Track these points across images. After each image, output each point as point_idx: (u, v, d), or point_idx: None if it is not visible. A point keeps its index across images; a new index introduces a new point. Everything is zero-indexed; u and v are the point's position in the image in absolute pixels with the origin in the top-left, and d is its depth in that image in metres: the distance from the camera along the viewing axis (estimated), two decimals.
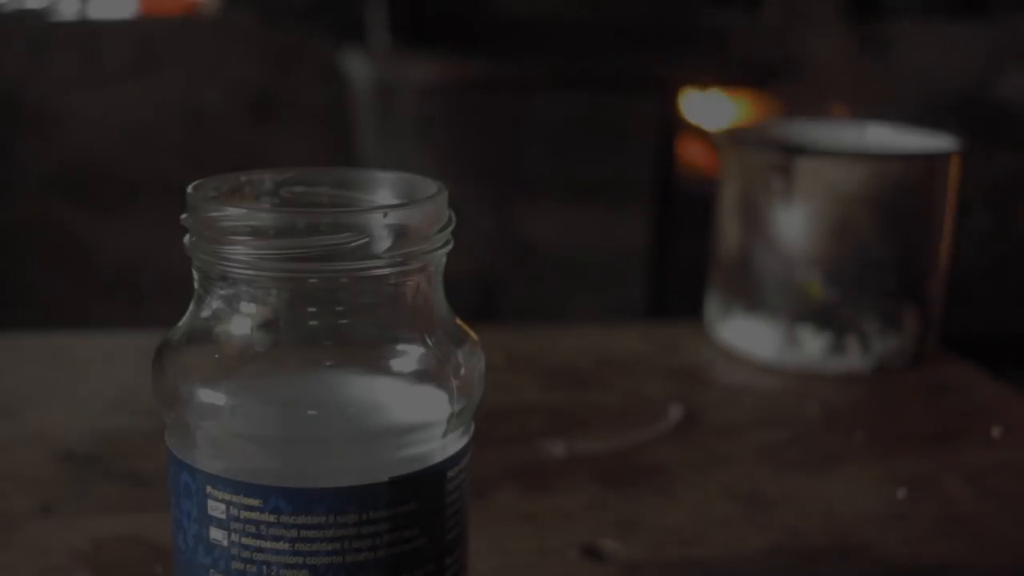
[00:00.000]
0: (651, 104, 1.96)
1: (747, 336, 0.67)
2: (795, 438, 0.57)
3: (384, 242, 0.29)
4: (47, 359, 0.65)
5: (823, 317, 0.65)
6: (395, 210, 0.30)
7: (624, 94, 1.94)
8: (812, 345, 0.65)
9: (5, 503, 0.48)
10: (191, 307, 0.32)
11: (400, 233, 0.30)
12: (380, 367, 0.31)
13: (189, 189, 0.31)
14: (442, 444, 0.31)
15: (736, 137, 0.73)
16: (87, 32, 1.97)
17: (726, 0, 2.05)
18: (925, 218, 0.67)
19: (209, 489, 0.30)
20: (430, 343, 0.31)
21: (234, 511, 0.30)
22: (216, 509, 0.30)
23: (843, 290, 0.65)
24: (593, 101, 1.91)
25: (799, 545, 0.46)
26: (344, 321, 0.30)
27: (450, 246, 0.32)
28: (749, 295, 0.67)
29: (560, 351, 0.69)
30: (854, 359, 0.65)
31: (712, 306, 0.71)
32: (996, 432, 0.58)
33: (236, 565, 0.30)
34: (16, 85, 1.94)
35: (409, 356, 0.31)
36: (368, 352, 0.31)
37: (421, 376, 0.31)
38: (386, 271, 0.30)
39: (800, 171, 0.64)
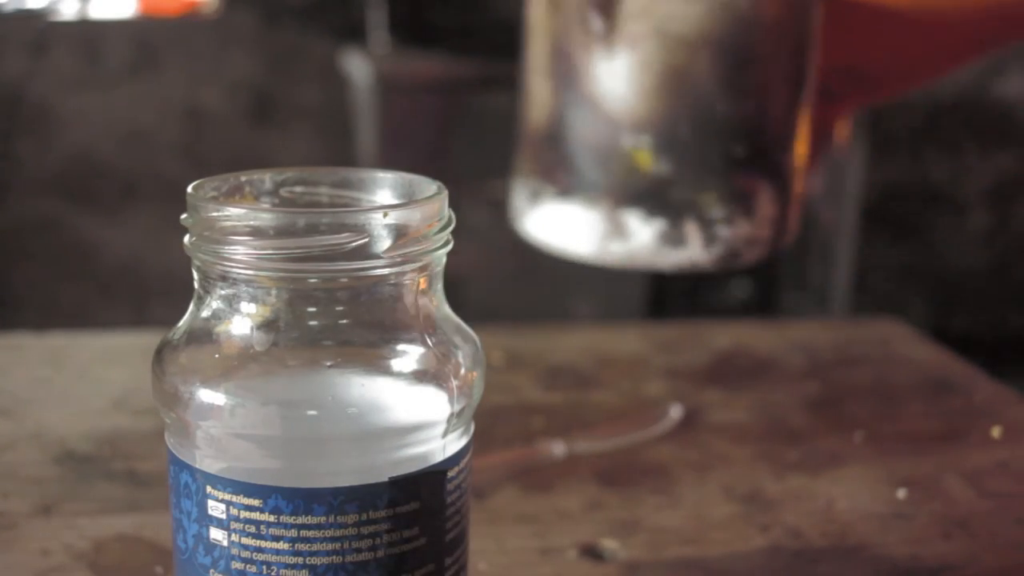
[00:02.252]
0: None
1: (561, 226, 0.54)
2: (795, 437, 0.57)
3: (384, 242, 0.29)
4: (47, 359, 0.65)
5: (656, 197, 0.53)
6: (395, 210, 0.30)
7: None
8: (642, 233, 0.53)
9: (5, 503, 0.48)
10: (191, 307, 0.32)
11: (400, 233, 0.30)
12: (380, 367, 0.31)
13: (189, 189, 0.31)
14: (442, 444, 0.31)
15: None
16: (87, 32, 1.97)
17: None
18: (782, 68, 0.54)
19: (209, 489, 0.30)
20: (430, 343, 0.31)
21: (234, 511, 0.30)
22: (216, 509, 0.30)
23: (680, 161, 0.53)
24: None
25: (799, 545, 0.46)
26: (344, 321, 0.30)
27: (450, 246, 0.32)
28: (562, 173, 0.54)
29: (560, 351, 0.69)
30: (694, 250, 0.53)
31: (517, 192, 0.57)
32: (996, 432, 0.58)
33: (236, 565, 0.30)
34: (16, 85, 1.94)
35: (409, 356, 0.31)
36: (368, 352, 0.31)
37: (421, 376, 0.31)
38: (386, 271, 0.30)
39: (625, 7, 0.51)
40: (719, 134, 0.53)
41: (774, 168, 0.54)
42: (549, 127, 0.55)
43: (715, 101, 0.52)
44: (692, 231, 0.53)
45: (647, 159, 0.52)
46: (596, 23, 0.52)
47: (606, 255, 0.54)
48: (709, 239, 0.53)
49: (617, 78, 0.52)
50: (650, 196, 0.52)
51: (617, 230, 0.53)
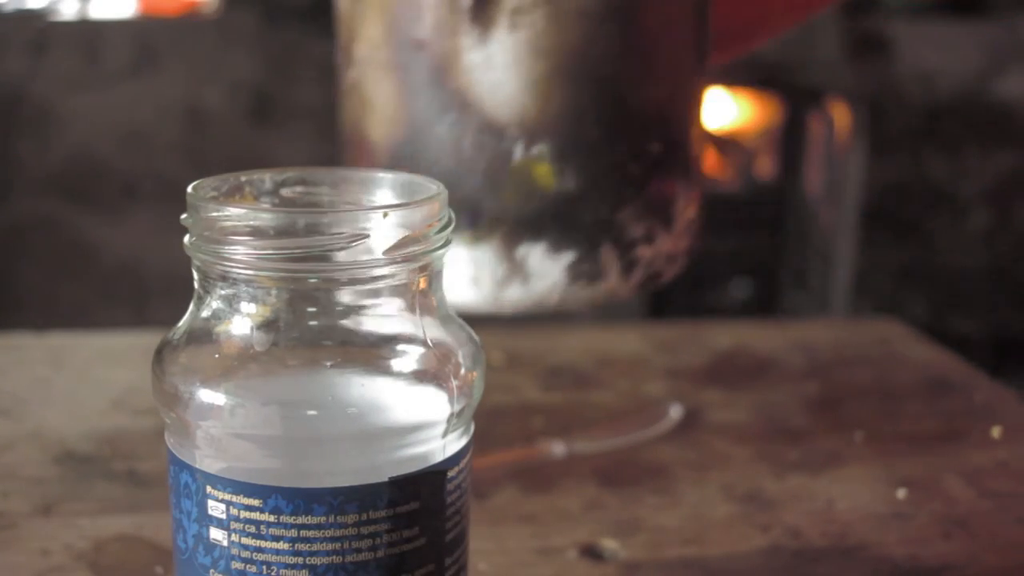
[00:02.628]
0: None
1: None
2: (795, 437, 0.57)
3: (384, 242, 0.29)
4: (47, 359, 0.65)
5: (562, 221, 0.41)
6: (395, 210, 0.30)
7: None
8: (548, 271, 0.41)
9: (5, 503, 0.48)
10: (191, 307, 0.32)
11: (400, 233, 0.30)
12: (380, 367, 0.31)
13: (189, 189, 0.31)
14: (442, 444, 0.31)
15: None
16: (87, 32, 1.97)
17: None
18: (691, 35, 0.44)
19: (209, 489, 0.30)
20: (430, 343, 0.31)
21: (234, 511, 0.30)
22: (216, 509, 0.30)
23: (589, 171, 0.41)
24: None
25: (799, 545, 0.46)
26: (344, 321, 0.30)
27: (450, 246, 0.32)
28: None
29: (560, 351, 0.69)
30: (612, 280, 0.43)
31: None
32: (996, 432, 0.58)
33: (236, 565, 0.30)
34: (16, 85, 1.94)
35: (409, 356, 0.31)
36: (368, 352, 0.31)
37: (421, 376, 0.31)
38: (386, 271, 0.30)
39: None
40: (633, 130, 0.42)
41: (687, 163, 0.44)
42: (400, 141, 0.41)
43: (626, 88, 0.41)
44: (609, 258, 0.42)
45: (547, 173, 0.41)
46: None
47: (503, 304, 0.43)
48: (628, 264, 0.43)
49: (498, 69, 0.39)
50: (555, 221, 0.41)
51: (515, 270, 0.41)
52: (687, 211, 0.44)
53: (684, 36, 0.43)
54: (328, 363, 0.30)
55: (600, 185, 0.41)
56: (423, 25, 0.40)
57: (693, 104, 0.44)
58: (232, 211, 0.30)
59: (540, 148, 0.40)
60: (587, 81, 0.40)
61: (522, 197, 0.39)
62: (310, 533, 0.29)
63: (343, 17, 0.44)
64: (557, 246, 0.41)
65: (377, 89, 0.42)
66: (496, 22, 0.39)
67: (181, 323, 0.32)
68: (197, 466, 0.30)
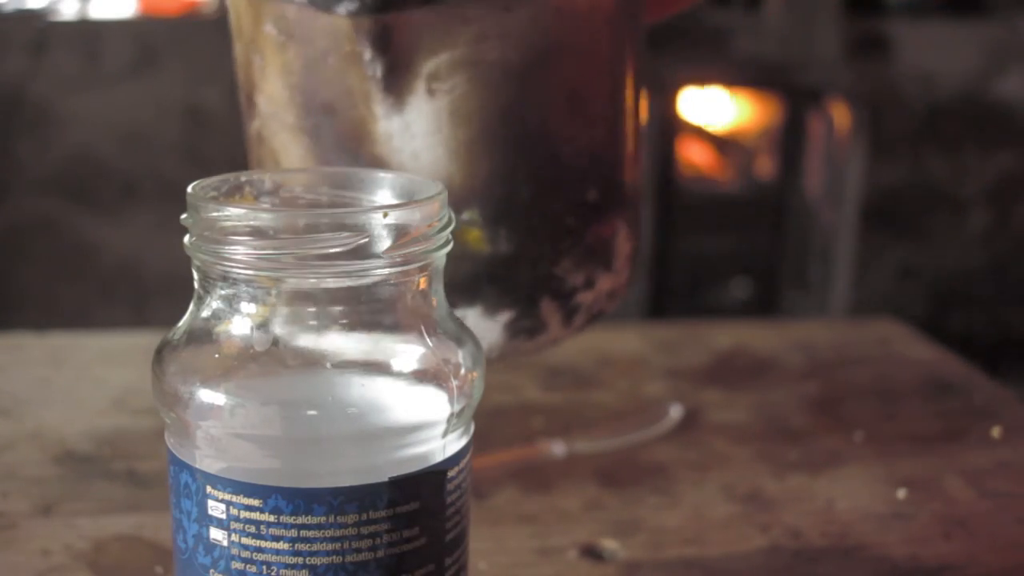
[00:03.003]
0: (651, 104, 1.96)
1: None
2: (795, 437, 0.57)
3: (384, 242, 0.29)
4: (47, 359, 0.65)
5: (498, 283, 0.39)
6: (395, 210, 0.30)
7: None
8: (486, 333, 0.40)
9: (5, 503, 0.48)
10: (191, 307, 0.32)
11: (400, 233, 0.30)
12: (380, 367, 0.31)
13: (189, 189, 0.31)
14: (442, 444, 0.31)
15: None
16: (87, 32, 1.97)
17: (726, 0, 2.05)
18: (627, 66, 0.41)
19: (209, 489, 0.30)
20: (430, 343, 0.31)
21: (234, 511, 0.30)
22: (216, 509, 0.30)
23: (523, 230, 0.39)
24: None
25: (799, 545, 0.46)
26: (344, 321, 0.30)
27: (450, 246, 0.32)
28: None
29: (560, 351, 0.69)
30: (554, 330, 0.41)
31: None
32: (996, 432, 0.58)
33: (236, 565, 0.30)
34: (16, 85, 1.94)
35: (409, 356, 0.31)
36: (368, 352, 0.31)
37: (421, 376, 0.31)
38: (386, 271, 0.30)
39: (412, 34, 0.35)
40: (568, 183, 0.39)
41: (628, 196, 0.42)
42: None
43: (556, 140, 0.38)
44: (550, 311, 0.41)
45: (478, 238, 0.38)
46: (375, 64, 0.35)
47: None
48: (569, 313, 0.41)
49: (417, 137, 0.37)
50: (491, 283, 0.39)
51: None
52: (626, 246, 0.42)
53: (615, 72, 0.41)
54: (328, 363, 0.30)
55: (536, 242, 0.39)
56: (331, 91, 0.37)
57: (629, 138, 0.42)
58: (232, 211, 0.30)
59: (470, 214, 0.38)
60: (515, 140, 0.38)
61: (454, 263, 0.34)
62: (310, 533, 0.29)
63: (239, 61, 0.41)
64: (494, 308, 0.40)
65: (286, 150, 0.39)
66: (412, 89, 0.36)
67: (181, 323, 0.32)
68: (197, 466, 0.30)
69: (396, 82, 0.36)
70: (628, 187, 0.42)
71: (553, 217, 0.39)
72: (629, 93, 0.42)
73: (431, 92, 0.36)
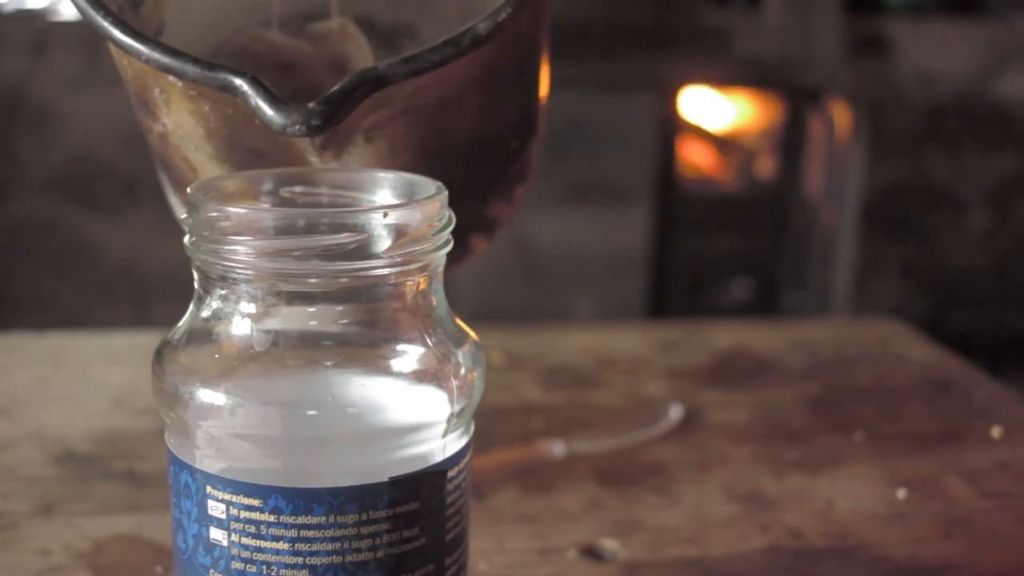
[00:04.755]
0: (651, 104, 1.96)
1: None
2: (795, 437, 0.57)
3: (384, 242, 0.29)
4: (47, 359, 0.65)
5: None
6: (395, 210, 0.30)
7: (624, 94, 1.94)
8: None
9: (5, 503, 0.48)
10: (191, 307, 0.32)
11: (400, 233, 0.30)
12: (380, 367, 0.31)
13: (189, 189, 0.31)
14: (442, 444, 0.31)
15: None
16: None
17: (726, 0, 2.05)
18: (526, 77, 0.45)
19: (209, 489, 0.30)
20: (430, 343, 0.31)
21: (234, 511, 0.30)
22: (216, 509, 0.30)
23: (456, 198, 0.39)
24: (593, 101, 1.91)
25: (799, 545, 0.46)
26: (344, 321, 0.30)
27: (450, 246, 0.32)
28: None
29: (560, 351, 0.69)
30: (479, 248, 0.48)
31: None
32: (996, 432, 0.58)
33: (236, 565, 0.30)
34: (16, 85, 1.94)
35: (409, 356, 0.31)
36: (368, 352, 0.31)
37: (421, 376, 0.31)
38: (386, 271, 0.30)
39: (353, 127, 0.37)
40: (496, 160, 0.45)
41: (534, 155, 0.48)
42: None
43: (486, 129, 0.43)
44: (479, 243, 0.47)
45: None
46: (313, 140, 0.37)
47: None
48: (490, 237, 0.47)
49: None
50: None
51: None
52: (525, 186, 0.48)
53: (527, 68, 0.44)
54: (328, 363, 0.30)
55: (466, 214, 0.41)
56: (258, 141, 0.38)
57: (540, 115, 0.47)
58: (232, 211, 0.30)
59: None
60: (450, 148, 0.41)
61: None
62: (310, 533, 0.29)
63: (126, 77, 0.40)
64: None
65: (204, 169, 0.40)
66: (351, 141, 0.38)
67: (181, 323, 0.32)
68: (197, 466, 0.30)
69: (334, 141, 0.37)
70: (535, 150, 0.47)
71: (483, 193, 0.44)
72: (540, 77, 0.46)
73: (369, 139, 0.38)
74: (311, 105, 0.32)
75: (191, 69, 0.33)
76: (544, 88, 0.48)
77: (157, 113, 0.39)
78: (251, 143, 0.38)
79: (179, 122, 0.38)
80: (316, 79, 0.43)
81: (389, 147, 0.39)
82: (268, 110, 0.33)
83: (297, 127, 0.33)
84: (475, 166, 0.43)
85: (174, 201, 0.44)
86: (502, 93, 0.42)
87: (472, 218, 0.45)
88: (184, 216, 0.31)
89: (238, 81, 0.33)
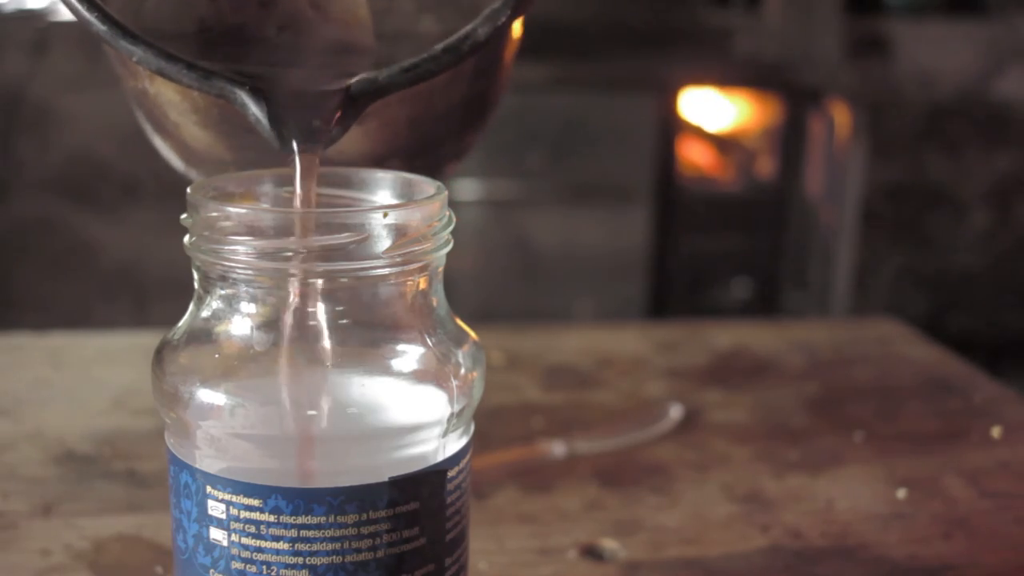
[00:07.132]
0: (651, 104, 1.96)
1: None
2: (795, 437, 0.57)
3: (384, 242, 0.29)
4: (47, 359, 0.65)
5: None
6: (395, 210, 0.30)
7: (624, 94, 1.94)
8: None
9: (5, 503, 0.48)
10: (191, 307, 0.32)
11: (400, 233, 0.30)
12: (380, 367, 0.31)
13: (189, 189, 0.31)
14: (442, 444, 0.31)
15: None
16: (87, 32, 1.97)
17: (726, 0, 2.05)
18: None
19: (209, 489, 0.30)
20: (430, 343, 0.31)
21: (234, 511, 0.30)
22: (216, 509, 0.30)
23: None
24: (593, 101, 1.91)
25: (799, 545, 0.46)
26: (344, 321, 0.30)
27: (450, 246, 0.32)
28: None
29: (560, 351, 0.69)
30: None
31: None
32: (996, 432, 0.58)
33: (236, 565, 0.30)
34: (16, 85, 1.94)
35: (409, 356, 0.31)
36: (368, 352, 0.31)
37: (421, 376, 0.31)
38: (386, 271, 0.30)
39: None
40: (459, 120, 0.47)
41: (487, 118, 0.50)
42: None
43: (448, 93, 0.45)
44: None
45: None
46: None
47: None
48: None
49: (344, 145, 0.40)
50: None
51: None
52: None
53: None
54: (328, 363, 0.30)
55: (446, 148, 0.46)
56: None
57: (503, 86, 0.49)
58: (232, 211, 0.30)
59: None
60: (416, 125, 0.43)
61: None
62: (310, 533, 0.29)
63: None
64: None
65: (188, 131, 0.42)
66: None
67: (181, 323, 0.32)
68: (197, 466, 0.30)
69: None
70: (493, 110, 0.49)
71: (459, 132, 0.46)
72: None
73: (361, 122, 0.39)
74: (314, 123, 0.33)
75: (186, 75, 0.33)
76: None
77: (139, 76, 0.40)
78: (240, 119, 0.37)
79: (162, 91, 0.40)
80: (298, 10, 0.43)
81: (379, 124, 0.41)
82: (267, 126, 0.33)
83: (297, 145, 0.33)
84: (459, 120, 0.46)
85: (157, 142, 0.46)
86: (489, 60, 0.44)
87: (449, 150, 0.48)
88: (184, 216, 0.31)
89: (237, 91, 0.33)
